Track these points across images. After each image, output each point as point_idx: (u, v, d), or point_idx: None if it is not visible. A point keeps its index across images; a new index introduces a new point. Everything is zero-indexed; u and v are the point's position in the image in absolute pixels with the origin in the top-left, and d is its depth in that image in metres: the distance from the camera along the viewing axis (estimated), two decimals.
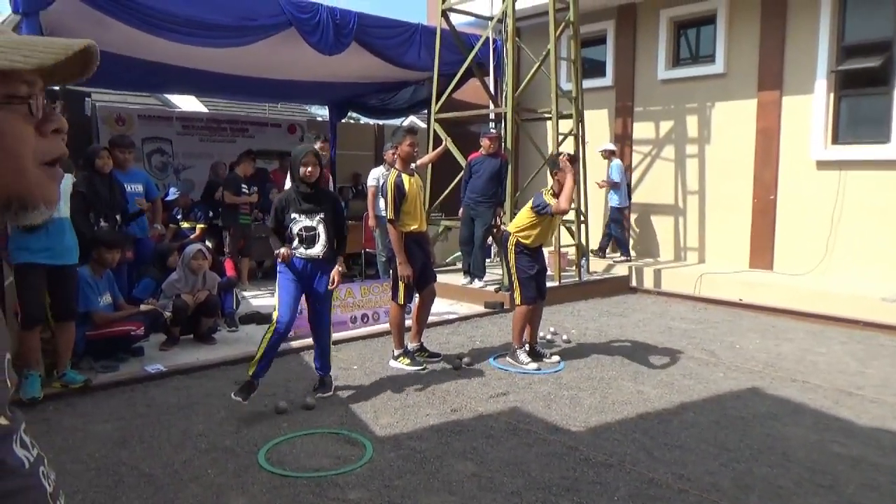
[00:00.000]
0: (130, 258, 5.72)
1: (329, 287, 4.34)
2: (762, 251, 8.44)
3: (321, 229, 4.23)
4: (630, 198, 9.38)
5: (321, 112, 16.61)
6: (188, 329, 5.62)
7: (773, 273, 8.21)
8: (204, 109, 14.42)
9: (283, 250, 4.20)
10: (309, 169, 4.16)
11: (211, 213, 8.10)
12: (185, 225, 8.04)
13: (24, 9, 5.65)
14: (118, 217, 5.43)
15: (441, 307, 7.20)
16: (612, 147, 9.23)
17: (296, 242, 4.22)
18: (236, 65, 8.79)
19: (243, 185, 7.74)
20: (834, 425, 4.06)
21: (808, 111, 7.95)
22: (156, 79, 9.42)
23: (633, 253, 9.49)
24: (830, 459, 3.56)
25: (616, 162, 9.14)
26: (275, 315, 4.23)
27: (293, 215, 4.22)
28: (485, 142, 7.51)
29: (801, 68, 7.99)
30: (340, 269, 4.39)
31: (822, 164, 7.90)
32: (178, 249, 6.21)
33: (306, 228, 4.22)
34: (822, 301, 7.01)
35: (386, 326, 5.72)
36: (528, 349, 5.28)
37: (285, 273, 4.29)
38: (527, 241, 5.16)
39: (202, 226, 7.97)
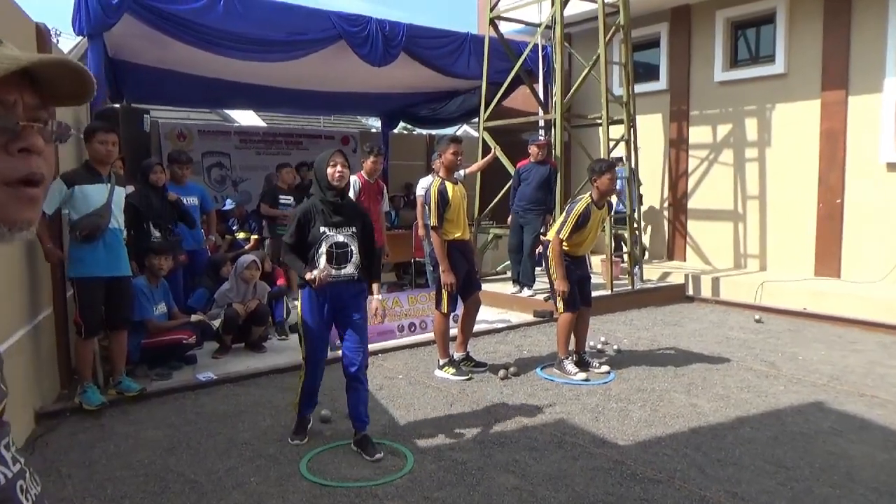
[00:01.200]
0: (184, 261, 5.85)
1: (372, 321, 3.89)
2: (828, 258, 8.04)
3: (354, 246, 3.69)
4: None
5: (374, 123, 16.82)
6: (240, 337, 5.73)
7: (841, 281, 7.80)
8: (262, 123, 14.84)
9: (316, 272, 3.55)
10: (338, 169, 3.61)
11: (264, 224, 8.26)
12: (240, 235, 8.23)
13: (89, 31, 5.93)
14: (171, 227, 5.57)
15: (490, 316, 7.14)
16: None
17: (323, 261, 3.60)
18: (290, 78, 9.00)
19: (282, 197, 7.79)
20: (877, 436, 3.79)
21: (877, 111, 7.55)
22: (214, 94, 9.74)
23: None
24: (872, 467, 3.32)
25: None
26: (303, 355, 3.78)
27: (322, 229, 3.62)
28: (532, 149, 7.43)
29: (868, 66, 7.60)
30: (379, 296, 3.93)
31: (893, 167, 7.47)
32: (232, 260, 6.36)
33: (337, 245, 3.63)
34: (893, 311, 6.60)
35: (433, 336, 5.69)
36: (574, 359, 5.17)
37: (310, 301, 3.68)
38: (567, 249, 5.07)
39: (256, 237, 8.14)
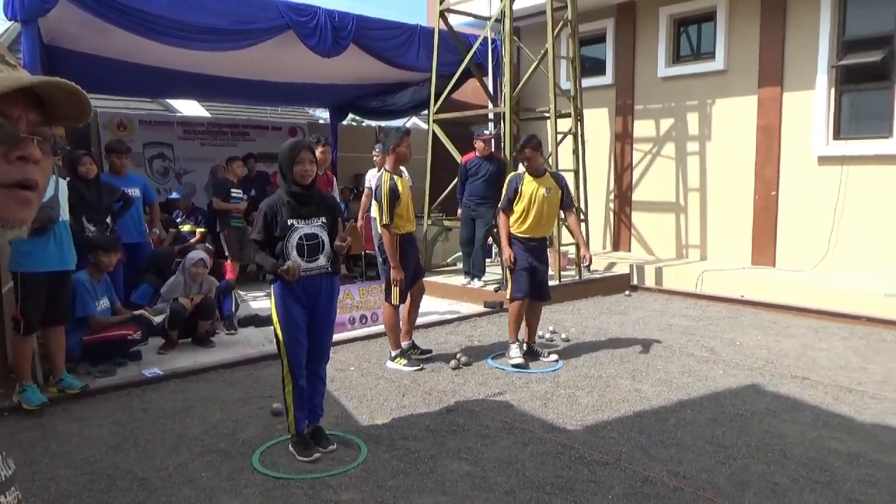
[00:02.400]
0: (121, 259, 5.71)
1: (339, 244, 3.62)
2: (764, 248, 8.39)
3: (325, 236, 3.55)
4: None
5: (322, 115, 16.65)
6: (186, 333, 5.63)
7: (776, 269, 8.16)
8: (206, 114, 14.48)
9: (290, 263, 3.40)
10: (305, 168, 3.46)
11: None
12: (185, 228, 8.04)
13: (22, 16, 5.68)
14: (108, 221, 5.42)
15: (441, 307, 7.20)
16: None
17: (294, 254, 3.46)
18: (236, 68, 8.82)
19: (233, 190, 7.65)
20: (833, 422, 4.02)
21: (810, 107, 7.90)
22: (156, 84, 9.46)
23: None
24: (829, 456, 3.52)
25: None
26: (285, 361, 3.52)
27: (290, 221, 3.45)
28: (478, 144, 7.49)
29: (801, 64, 7.94)
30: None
31: (824, 160, 7.84)
32: (178, 253, 6.23)
33: (307, 236, 3.47)
34: (824, 297, 6.95)
35: (384, 328, 5.70)
36: (524, 347, 5.29)
37: (283, 298, 3.49)
38: (519, 231, 5.16)
39: (202, 230, 7.97)
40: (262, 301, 7.50)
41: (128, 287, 5.91)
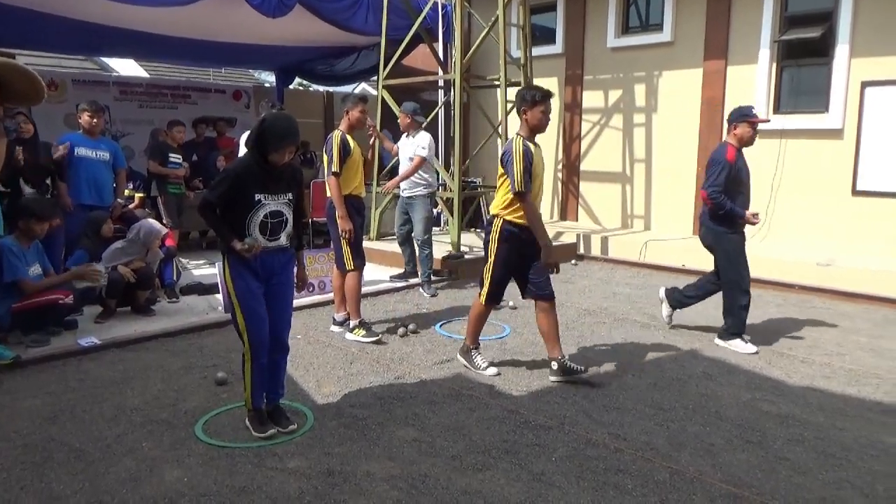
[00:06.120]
0: (59, 224, 5.49)
1: (297, 290, 3.64)
2: None
3: (289, 214, 3.38)
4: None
5: (268, 78, 16.16)
6: (125, 301, 5.45)
7: None
8: (144, 74, 13.87)
9: (251, 242, 3.23)
10: (283, 159, 3.26)
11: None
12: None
13: None
14: (48, 182, 5.19)
15: (389, 275, 7.15)
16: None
17: (256, 232, 3.26)
18: (177, 27, 8.44)
19: (171, 155, 7.39)
20: (765, 385, 4.20)
21: (752, 80, 8.08)
22: (91, 41, 8.96)
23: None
24: (760, 417, 3.68)
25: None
26: (245, 338, 3.33)
27: (257, 197, 3.22)
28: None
29: (745, 38, 8.10)
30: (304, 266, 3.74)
31: (764, 133, 8.02)
32: (117, 218, 6.00)
33: (273, 214, 3.29)
34: (760, 266, 7.18)
35: (331, 296, 5.64)
36: (556, 367, 4.23)
37: (243, 275, 3.29)
38: (519, 218, 4.12)
39: (140, 195, 7.70)
40: (204, 269, 7.33)
41: (67, 252, 5.70)
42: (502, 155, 4.19)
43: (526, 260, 4.23)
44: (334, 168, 4.87)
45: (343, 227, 4.89)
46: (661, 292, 5.53)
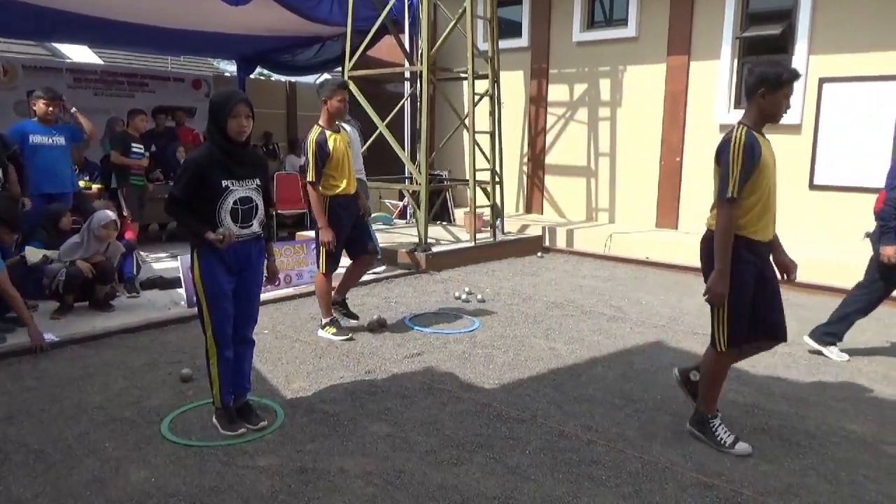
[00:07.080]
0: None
1: (265, 284, 3.55)
2: (668, 211, 8.76)
3: (259, 200, 3.29)
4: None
5: (229, 67, 15.84)
6: (83, 296, 5.28)
7: (678, 232, 8.56)
8: (98, 61, 13.43)
9: (224, 231, 3.14)
10: (242, 123, 3.14)
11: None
12: (80, 184, 7.49)
13: None
14: (1, 175, 4.98)
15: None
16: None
17: (227, 220, 3.17)
18: (133, 12, 8.18)
19: (133, 145, 7.18)
20: (731, 374, 4.21)
21: (714, 76, 8.22)
22: (44, 25, 8.63)
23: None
24: (727, 407, 3.74)
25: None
26: (209, 333, 3.25)
27: (223, 183, 3.13)
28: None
29: (708, 34, 8.23)
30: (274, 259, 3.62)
31: (725, 128, 8.21)
32: (73, 212, 5.79)
33: (242, 200, 3.19)
34: None
35: (298, 290, 5.56)
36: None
37: (210, 264, 3.19)
38: (755, 234, 3.20)
39: (98, 186, 7.46)
40: (165, 262, 7.15)
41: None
42: (718, 148, 3.22)
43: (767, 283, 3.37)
44: (310, 177, 4.55)
45: (324, 239, 4.62)
46: (833, 353, 4.72)
